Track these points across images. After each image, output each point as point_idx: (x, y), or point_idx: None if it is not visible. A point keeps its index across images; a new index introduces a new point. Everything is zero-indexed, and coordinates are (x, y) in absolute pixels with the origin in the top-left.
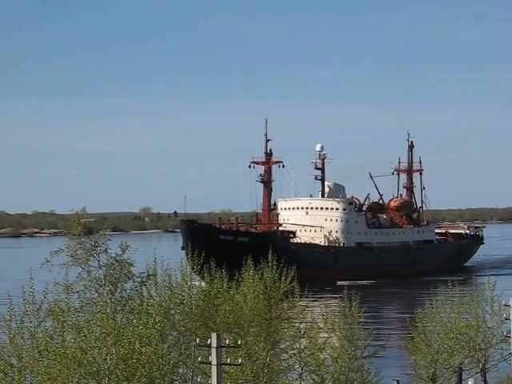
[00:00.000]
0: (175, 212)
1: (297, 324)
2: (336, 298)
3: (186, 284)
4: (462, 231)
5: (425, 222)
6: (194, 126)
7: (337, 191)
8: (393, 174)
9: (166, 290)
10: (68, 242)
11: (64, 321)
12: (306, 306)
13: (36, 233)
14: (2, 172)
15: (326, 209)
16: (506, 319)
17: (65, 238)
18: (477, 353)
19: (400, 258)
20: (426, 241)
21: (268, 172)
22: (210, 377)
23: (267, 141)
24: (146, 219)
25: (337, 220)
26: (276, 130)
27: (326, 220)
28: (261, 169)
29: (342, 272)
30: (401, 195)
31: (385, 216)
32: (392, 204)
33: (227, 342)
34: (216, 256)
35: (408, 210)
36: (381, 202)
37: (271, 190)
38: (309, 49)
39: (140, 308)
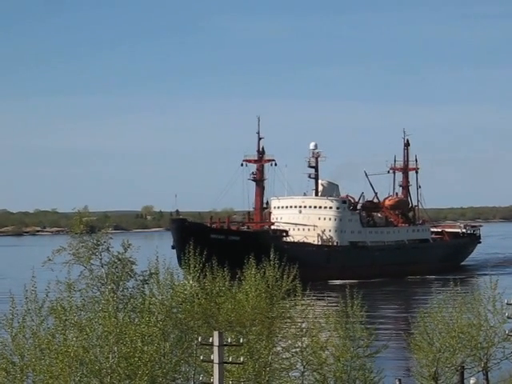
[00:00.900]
0: (177, 210)
1: (299, 323)
2: (338, 296)
3: (189, 282)
4: (459, 230)
5: (420, 221)
6: (195, 124)
7: (331, 190)
8: (388, 172)
9: (167, 289)
10: (70, 241)
11: (66, 319)
12: (308, 305)
13: (38, 231)
14: (5, 171)
15: (320, 207)
16: (509, 318)
17: (67, 237)
18: (479, 351)
19: (394, 257)
20: (422, 240)
21: (260, 170)
22: (211, 375)
23: (259, 139)
24: (148, 217)
25: (330, 219)
26: (270, 129)
27: (319, 219)
28: (253, 167)
29: (335, 271)
30: (396, 194)
31: (380, 215)
32: (387, 203)
33: (229, 340)
34: (207, 255)
35: (403, 209)
36: (375, 200)
37: (263, 188)
38: (302, 47)
39: (142, 306)
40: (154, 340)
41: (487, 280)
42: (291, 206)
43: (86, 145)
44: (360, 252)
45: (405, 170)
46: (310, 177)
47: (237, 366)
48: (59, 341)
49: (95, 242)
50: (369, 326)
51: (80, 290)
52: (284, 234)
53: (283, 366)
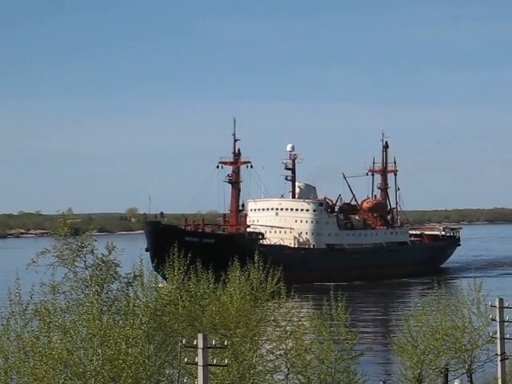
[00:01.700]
0: (161, 213)
1: (283, 325)
2: (322, 299)
3: (172, 285)
4: (438, 233)
5: (399, 224)
6: (179, 125)
7: (308, 192)
8: (367, 174)
9: (152, 291)
10: (54, 243)
11: (50, 321)
12: (293, 307)
13: (22, 233)
14: None
15: (296, 210)
16: (492, 320)
17: (51, 239)
18: (463, 353)
19: (372, 260)
20: (400, 242)
21: (236, 172)
22: (196, 377)
23: (235, 141)
24: (133, 220)
25: (307, 221)
26: (247, 131)
27: (295, 221)
28: (229, 169)
29: (311, 274)
30: (375, 196)
31: (357, 217)
32: (365, 205)
33: (213, 342)
34: (181, 258)
35: (381, 211)
36: (353, 203)
37: (239, 190)
38: (282, 49)
39: (126, 309)
40: (138, 342)
41: (471, 282)
42: (268, 209)
43: (70, 147)
44: (337, 255)
45: (383, 172)
46: (286, 179)
47: (221, 368)
48: (43, 343)
49: (79, 244)
50: (353, 329)
51: (64, 293)
52: (260, 237)
53: (267, 368)
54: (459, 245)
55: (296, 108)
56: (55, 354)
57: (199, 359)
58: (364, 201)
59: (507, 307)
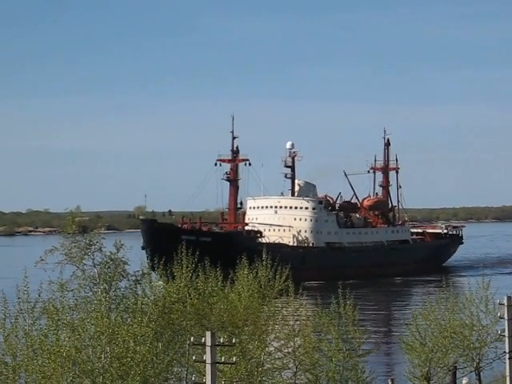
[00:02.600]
0: (170, 211)
1: (291, 323)
2: (330, 296)
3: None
4: (440, 231)
5: (400, 222)
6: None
7: (307, 190)
8: (368, 172)
9: (160, 289)
10: (62, 241)
11: (58, 319)
12: (301, 305)
13: (30, 231)
14: None
15: (296, 208)
16: (501, 318)
17: (59, 237)
18: (471, 351)
19: (372, 259)
20: (401, 241)
21: (234, 170)
22: (204, 375)
23: (233, 138)
24: (141, 218)
25: (306, 219)
26: (247, 129)
27: (295, 219)
28: (227, 167)
29: (310, 272)
30: (376, 194)
31: (358, 215)
32: (365, 203)
33: (222, 340)
34: (177, 256)
35: (382, 209)
36: (354, 200)
37: (237, 188)
38: (284, 47)
39: (134, 306)
40: (146, 340)
41: (479, 280)
42: (267, 207)
43: (78, 145)
44: (336, 253)
45: (385, 169)
46: (286, 177)
47: (229, 366)
48: (52, 341)
49: (88, 242)
50: (361, 326)
51: (72, 290)
52: (258, 235)
53: (276, 366)
54: (462, 243)
55: (296, 106)
56: (63, 351)
57: (207, 357)
58: (365, 199)
59: None
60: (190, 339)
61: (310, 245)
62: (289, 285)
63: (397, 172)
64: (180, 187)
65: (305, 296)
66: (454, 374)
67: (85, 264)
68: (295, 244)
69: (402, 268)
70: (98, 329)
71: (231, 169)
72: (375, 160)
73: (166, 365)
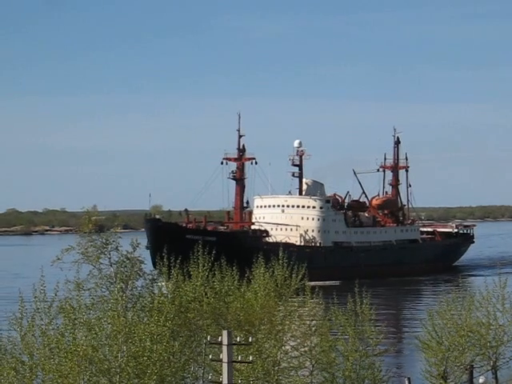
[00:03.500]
0: (186, 209)
1: (308, 321)
2: (347, 295)
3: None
4: (451, 230)
5: (409, 221)
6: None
7: (315, 189)
8: (378, 170)
9: (176, 288)
10: (79, 240)
11: (75, 318)
12: (317, 304)
13: (47, 230)
14: (13, 170)
15: (303, 207)
16: None
17: (76, 236)
18: (488, 350)
19: (381, 258)
20: (411, 240)
21: (240, 169)
22: (221, 374)
23: (240, 136)
24: (157, 217)
25: (313, 219)
26: (255, 127)
27: (302, 219)
28: (234, 165)
29: (317, 272)
30: (386, 193)
31: (367, 214)
32: (374, 202)
33: (238, 339)
34: (182, 256)
35: (392, 209)
36: (363, 199)
37: (244, 187)
38: (291, 46)
39: (151, 305)
40: (162, 339)
41: (496, 279)
42: (274, 206)
43: (95, 144)
44: (344, 253)
45: (395, 168)
46: (293, 175)
47: (246, 365)
48: (68, 340)
49: (104, 241)
50: (378, 325)
51: (89, 289)
52: (264, 235)
53: (292, 365)
54: (473, 242)
55: (305, 104)
56: (80, 350)
57: (224, 356)
58: (373, 198)
59: None
60: (206, 338)
61: (318, 244)
62: (305, 284)
63: (406, 171)
64: (186, 186)
65: (314, 295)
66: (471, 373)
67: (101, 263)
68: (302, 243)
69: (411, 267)
70: (115, 328)
71: (237, 167)
72: (385, 158)
73: (183, 364)
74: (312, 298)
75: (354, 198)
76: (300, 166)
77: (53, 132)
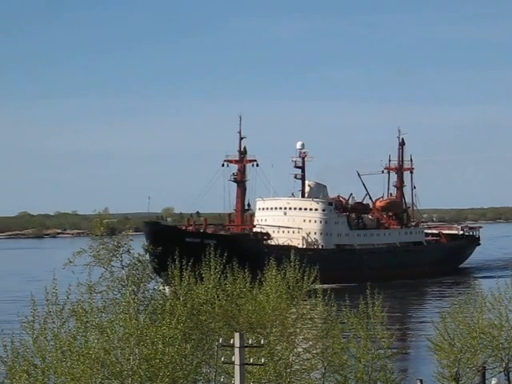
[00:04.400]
0: (197, 212)
1: (319, 323)
2: (359, 297)
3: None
4: (456, 232)
5: (414, 223)
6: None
7: (318, 191)
8: (383, 172)
9: (188, 290)
10: (91, 243)
11: (87, 321)
12: (329, 306)
13: (59, 233)
14: (25, 173)
15: (305, 209)
16: None
17: (87, 239)
18: (500, 352)
19: (384, 261)
20: (415, 242)
21: (241, 171)
22: (233, 377)
23: (241, 138)
24: (169, 219)
25: (316, 221)
26: (257, 130)
27: (304, 221)
28: (234, 168)
29: (319, 275)
30: (391, 194)
31: (370, 217)
32: (378, 204)
33: (250, 341)
34: (181, 259)
35: (396, 210)
36: (367, 201)
37: (245, 189)
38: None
39: (163, 308)
40: (175, 342)
41: (508, 281)
42: (276, 208)
43: (107, 147)
44: (346, 255)
45: (399, 170)
46: (296, 177)
47: (258, 367)
48: (80, 343)
49: (116, 244)
50: (390, 327)
51: (101, 292)
52: (265, 237)
53: (304, 367)
54: (479, 244)
55: (308, 106)
56: (92, 353)
57: (236, 358)
58: (377, 199)
59: None
60: (218, 340)
61: (320, 247)
62: (317, 286)
63: (411, 172)
64: (187, 188)
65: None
66: (483, 375)
67: (113, 266)
68: (304, 246)
69: (415, 270)
70: (127, 330)
71: (238, 170)
72: (389, 160)
73: (195, 366)
74: (324, 301)
75: (358, 200)
76: (302, 168)
77: (65, 135)
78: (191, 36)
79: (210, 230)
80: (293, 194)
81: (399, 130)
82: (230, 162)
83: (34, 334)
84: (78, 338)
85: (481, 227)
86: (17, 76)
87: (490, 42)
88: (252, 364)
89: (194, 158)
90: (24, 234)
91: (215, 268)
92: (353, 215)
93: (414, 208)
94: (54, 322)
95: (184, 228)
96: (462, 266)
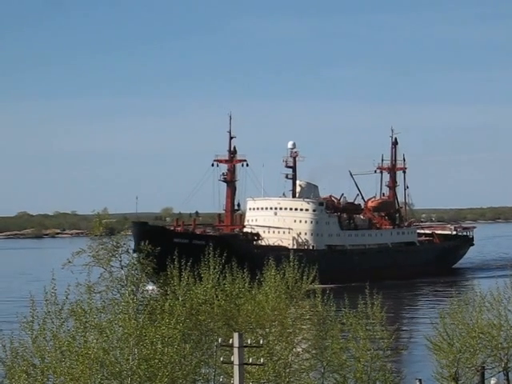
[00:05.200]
0: (196, 212)
1: (318, 323)
2: (357, 297)
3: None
4: (450, 232)
5: (406, 223)
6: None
7: (309, 191)
8: (375, 172)
9: (188, 290)
10: (90, 243)
11: (86, 321)
12: (328, 305)
13: (58, 233)
14: (24, 173)
15: (296, 209)
16: None
17: (86, 239)
18: (499, 352)
19: (376, 261)
20: (407, 242)
21: (231, 171)
22: (232, 376)
23: (231, 138)
24: (168, 219)
25: (306, 221)
26: (248, 129)
27: (295, 221)
28: (224, 167)
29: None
30: (383, 194)
31: (362, 217)
32: (370, 204)
33: (249, 341)
34: (170, 260)
35: (388, 210)
36: (359, 201)
37: (235, 189)
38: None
39: (162, 308)
40: (174, 342)
41: (507, 281)
42: (266, 208)
43: (105, 147)
44: (337, 256)
45: (392, 169)
46: (287, 177)
47: (257, 367)
48: (79, 343)
49: (115, 244)
50: (389, 327)
51: (100, 292)
52: (255, 238)
53: (303, 367)
54: (473, 244)
55: (299, 106)
56: (91, 353)
57: (235, 358)
58: (369, 199)
59: None
60: (217, 340)
61: (311, 247)
62: (316, 285)
63: (404, 172)
64: (176, 188)
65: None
66: (482, 375)
67: (112, 266)
68: (295, 247)
69: (407, 270)
70: (126, 330)
71: (228, 169)
72: (382, 160)
73: (194, 366)
74: (322, 301)
75: (350, 200)
76: (294, 168)
77: (63, 135)
78: (191, 36)
79: (198, 231)
80: (284, 194)
81: (392, 130)
82: (220, 161)
83: (33, 334)
84: (77, 338)
85: (475, 227)
86: (16, 77)
87: (490, 41)
88: (251, 364)
89: (186, 158)
90: (23, 234)
91: (214, 268)
92: (344, 215)
93: (408, 208)
94: (53, 322)
95: (173, 228)
96: (455, 266)
